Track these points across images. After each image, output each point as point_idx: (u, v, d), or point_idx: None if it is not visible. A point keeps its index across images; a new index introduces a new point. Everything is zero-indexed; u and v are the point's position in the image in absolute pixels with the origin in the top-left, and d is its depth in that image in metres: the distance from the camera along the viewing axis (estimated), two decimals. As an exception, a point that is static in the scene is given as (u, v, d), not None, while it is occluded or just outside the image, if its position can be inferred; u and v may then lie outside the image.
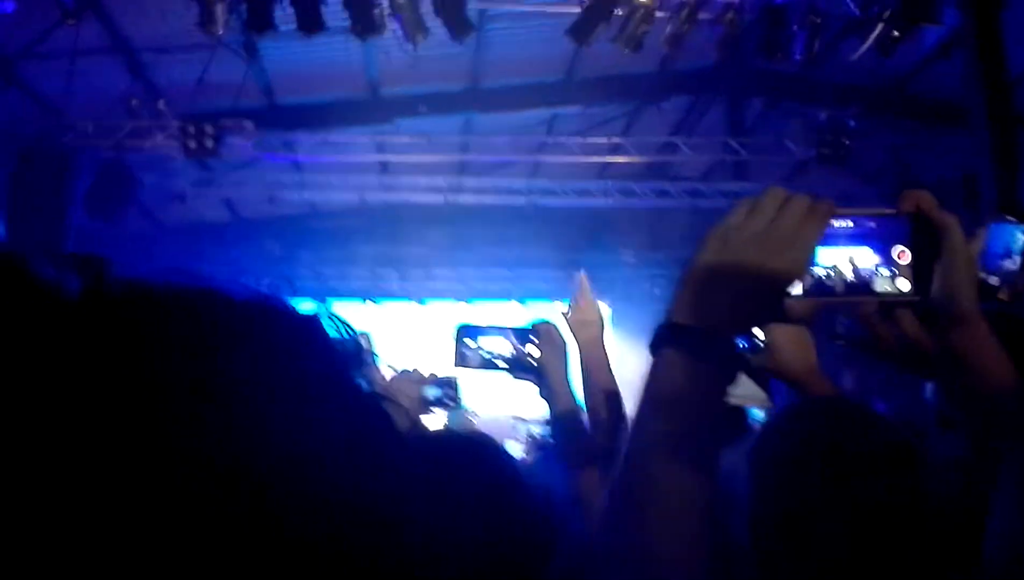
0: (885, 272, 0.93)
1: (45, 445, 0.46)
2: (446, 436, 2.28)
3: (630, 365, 1.93)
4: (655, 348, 0.90)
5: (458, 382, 2.94)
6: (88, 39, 7.36)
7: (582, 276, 2.38)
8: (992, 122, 6.85)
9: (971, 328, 0.95)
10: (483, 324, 2.24)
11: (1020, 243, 1.33)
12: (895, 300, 0.94)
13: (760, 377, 1.90)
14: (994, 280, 1.32)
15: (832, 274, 0.93)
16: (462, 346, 2.19)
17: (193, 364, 0.50)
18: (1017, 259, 1.33)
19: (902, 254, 0.93)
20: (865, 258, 0.93)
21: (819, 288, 0.93)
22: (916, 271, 0.93)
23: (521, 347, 2.17)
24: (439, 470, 1.05)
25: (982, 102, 6.89)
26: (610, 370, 2.27)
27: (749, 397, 1.92)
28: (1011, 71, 6.99)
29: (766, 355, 1.76)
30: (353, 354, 0.59)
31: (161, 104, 8.60)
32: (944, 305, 0.94)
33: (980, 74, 6.90)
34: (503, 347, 2.19)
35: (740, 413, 2.49)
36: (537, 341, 2.16)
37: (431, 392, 2.88)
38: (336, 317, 0.60)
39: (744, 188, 10.31)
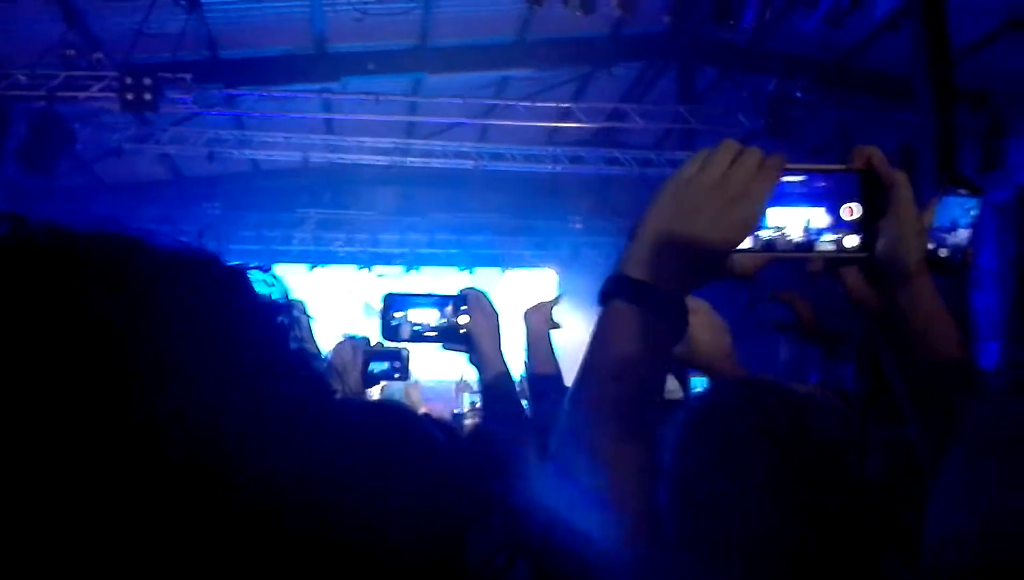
0: (833, 228, 0.93)
1: None
2: (369, 404, 2.25)
3: (575, 331, 1.95)
4: (604, 299, 0.90)
5: (407, 354, 2.90)
6: (20, -18, 7.07)
7: (554, 275, 2.54)
8: (935, 96, 6.96)
9: (917, 285, 0.95)
10: (411, 293, 2.20)
11: (970, 215, 1.33)
12: (842, 256, 0.94)
13: (675, 368, 1.90)
14: (943, 252, 1.32)
15: (781, 229, 0.92)
16: (389, 318, 2.15)
17: (111, 315, 0.47)
18: (965, 232, 1.33)
19: (851, 210, 0.93)
20: (814, 214, 0.93)
21: (768, 244, 0.92)
22: (864, 227, 0.93)
23: (451, 316, 2.13)
24: (366, 436, 1.02)
25: (926, 75, 6.98)
26: (554, 359, 2.32)
27: (667, 390, 1.92)
28: (956, 45, 7.08)
29: (682, 345, 1.78)
30: (283, 310, 0.57)
31: (98, 55, 8.32)
32: (891, 261, 0.94)
33: (925, 47, 6.98)
34: (432, 317, 2.14)
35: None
36: (467, 309, 2.12)
37: (377, 366, 2.84)
38: (267, 273, 0.58)
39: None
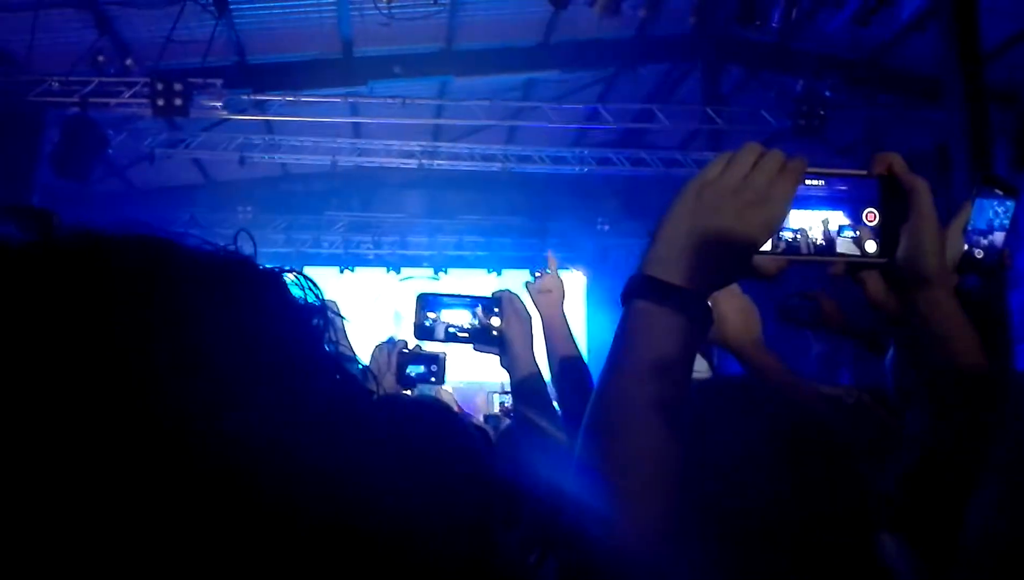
0: (854, 233, 0.94)
1: None
2: (405, 402, 2.25)
3: (605, 332, 1.92)
4: (626, 298, 0.91)
5: (444, 358, 2.90)
6: (53, -9, 7.19)
7: (550, 254, 2.41)
8: (966, 96, 6.87)
9: (936, 291, 0.95)
10: (444, 295, 2.20)
11: (1005, 216, 1.32)
12: (862, 261, 0.95)
13: (704, 349, 1.90)
14: (979, 253, 1.31)
15: (802, 233, 0.93)
16: (423, 318, 2.16)
17: (146, 318, 0.48)
18: (1001, 232, 1.32)
19: (871, 215, 0.94)
20: (835, 219, 0.94)
21: (788, 247, 0.94)
22: (884, 233, 0.94)
23: (484, 318, 2.14)
24: (400, 434, 1.03)
25: (956, 76, 6.90)
26: (572, 337, 2.26)
27: (695, 369, 1.92)
28: (985, 45, 7.00)
29: (712, 327, 1.77)
30: (317, 313, 0.58)
31: (129, 61, 8.43)
32: (910, 267, 0.94)
33: (954, 48, 6.90)
34: (465, 318, 2.15)
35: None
36: (499, 311, 2.12)
37: (413, 370, 2.85)
38: (301, 276, 0.58)
39: (719, 158, 10.29)
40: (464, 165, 10.74)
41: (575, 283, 13.22)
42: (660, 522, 0.85)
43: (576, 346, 2.24)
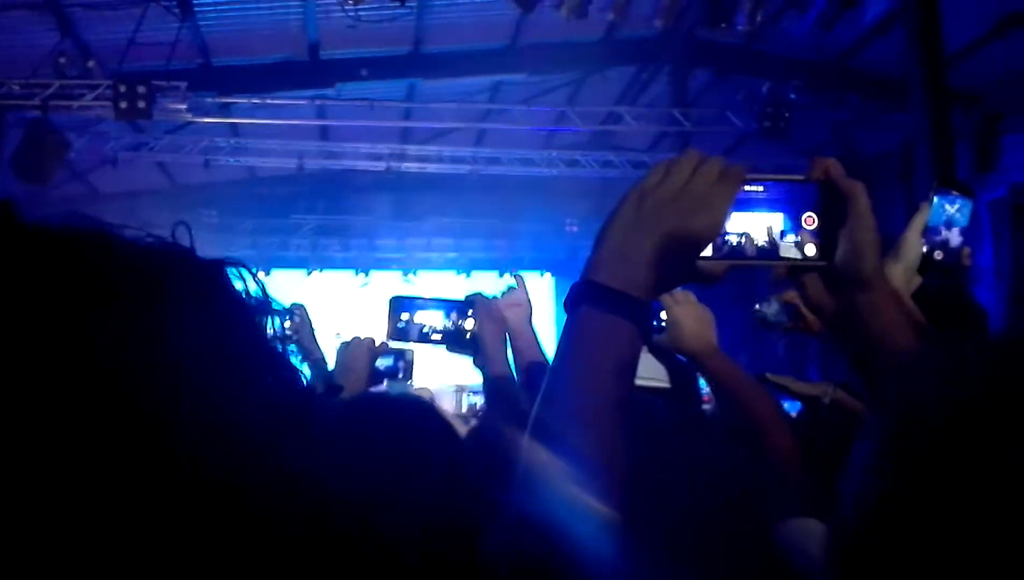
0: (794, 237, 0.96)
1: None
2: (374, 398, 2.25)
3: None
4: (571, 305, 0.92)
5: (412, 355, 2.93)
6: (13, -8, 7.07)
7: (517, 275, 2.48)
8: (928, 98, 6.97)
9: (874, 292, 0.97)
10: (418, 297, 2.23)
11: (963, 216, 1.34)
12: (802, 264, 0.97)
13: (663, 356, 1.93)
14: (938, 254, 1.33)
15: (743, 238, 0.96)
16: (396, 320, 2.18)
17: (77, 311, 0.46)
18: (959, 232, 1.34)
19: (810, 219, 0.96)
20: (775, 223, 0.96)
21: (730, 251, 0.95)
22: (823, 236, 0.96)
23: (457, 321, 2.17)
24: (362, 432, 1.01)
25: (919, 78, 6.99)
26: (539, 345, 2.32)
27: (653, 378, 1.94)
28: (948, 48, 7.10)
29: (668, 334, 1.82)
30: (260, 306, 0.57)
31: (91, 63, 8.31)
32: (848, 269, 0.96)
33: (917, 50, 7.00)
34: (439, 321, 2.18)
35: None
36: (473, 314, 2.16)
37: (382, 363, 2.87)
38: (243, 268, 0.57)
39: (687, 160, 10.36)
40: (433, 167, 10.73)
41: (543, 286, 13.25)
42: (602, 520, 0.86)
43: (543, 353, 2.28)
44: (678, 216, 0.90)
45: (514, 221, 12.57)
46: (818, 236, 0.96)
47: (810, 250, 0.96)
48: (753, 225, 0.96)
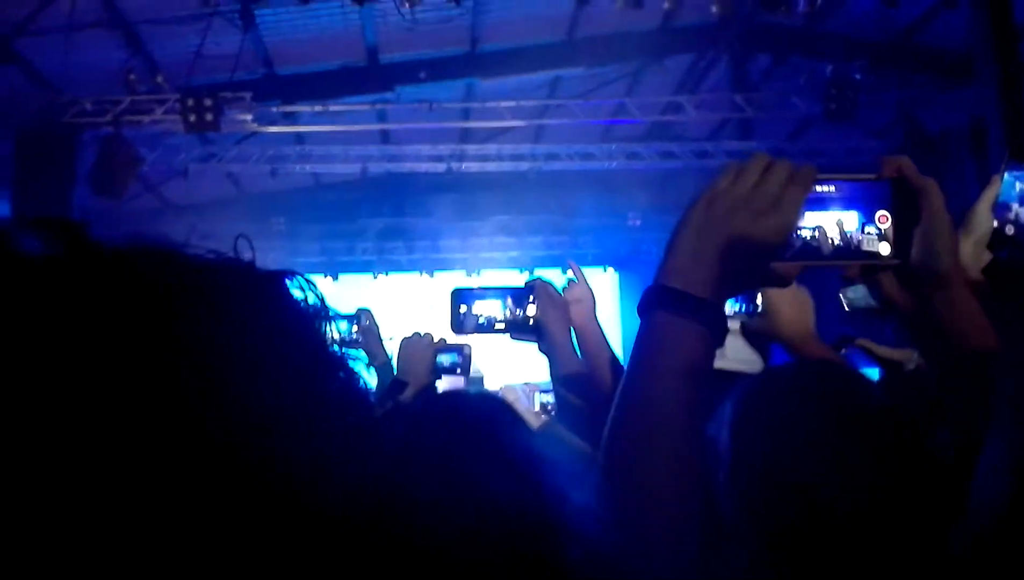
0: (867, 236, 0.96)
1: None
2: (454, 396, 2.25)
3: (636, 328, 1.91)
4: (643, 311, 0.93)
5: (470, 350, 2.94)
6: (84, 13, 7.31)
7: (572, 263, 2.44)
8: (1000, 71, 6.77)
9: (950, 290, 0.96)
10: (478, 288, 2.24)
11: None
12: (876, 263, 0.96)
13: (757, 341, 1.90)
14: (1009, 229, 1.30)
15: (816, 237, 0.95)
16: (457, 311, 2.19)
17: (153, 328, 0.48)
18: None
19: (883, 218, 0.96)
20: (848, 222, 0.96)
21: (803, 251, 0.95)
22: (896, 234, 0.96)
23: (519, 307, 2.16)
24: (431, 429, 1.02)
25: (989, 51, 6.79)
26: (607, 343, 2.26)
27: (746, 361, 1.91)
28: (1018, 19, 6.88)
29: (764, 319, 1.77)
30: (319, 315, 0.58)
31: (159, 78, 8.55)
32: (924, 268, 0.95)
33: (986, 23, 6.79)
34: (500, 309, 2.18)
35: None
36: (534, 299, 2.13)
37: (444, 358, 2.89)
38: (302, 278, 0.58)
39: (751, 146, 10.20)
40: (493, 166, 10.76)
41: (606, 281, 13.18)
42: (679, 524, 0.87)
43: (611, 350, 2.24)
44: (748, 219, 0.91)
45: (575, 217, 12.51)
46: (892, 234, 0.96)
47: (884, 249, 0.96)
48: (825, 225, 0.96)
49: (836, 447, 1.13)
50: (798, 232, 0.94)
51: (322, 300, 0.59)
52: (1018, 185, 1.33)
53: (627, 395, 0.91)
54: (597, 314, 2.29)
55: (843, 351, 2.87)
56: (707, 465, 1.23)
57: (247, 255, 0.57)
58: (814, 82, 8.97)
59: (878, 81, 8.99)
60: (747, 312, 1.79)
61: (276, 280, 0.56)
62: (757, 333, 1.84)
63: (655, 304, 0.92)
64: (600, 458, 0.91)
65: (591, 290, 2.30)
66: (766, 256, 0.92)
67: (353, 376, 0.57)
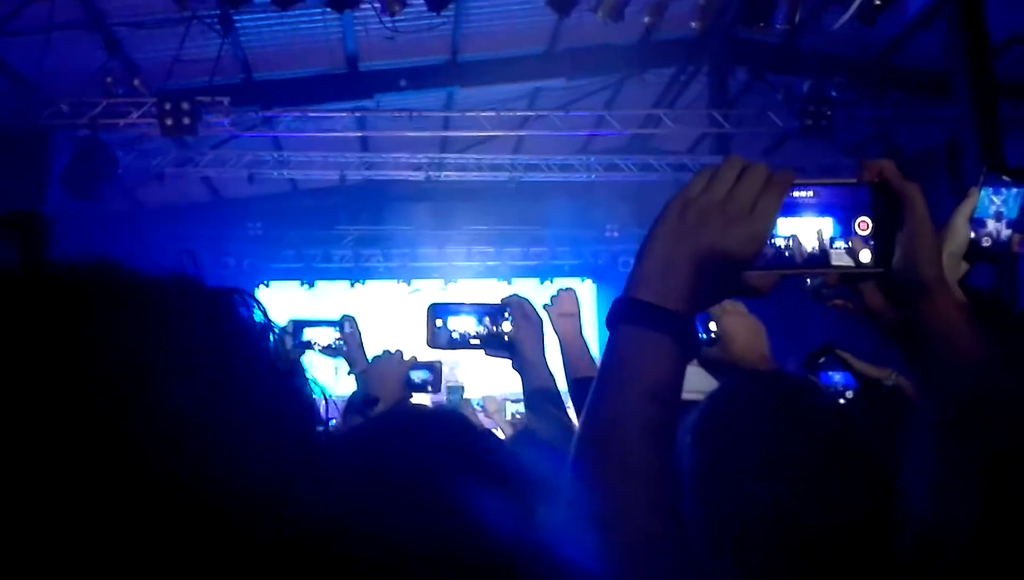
0: (847, 243, 0.92)
1: None
2: (409, 413, 2.25)
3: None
4: (612, 323, 0.89)
5: (440, 366, 2.98)
6: (62, 13, 7.25)
7: (571, 290, 2.50)
8: (975, 90, 6.86)
9: (934, 298, 0.93)
10: (455, 303, 2.24)
11: (1013, 203, 1.31)
12: (858, 271, 0.92)
13: (714, 369, 1.90)
14: (986, 241, 1.29)
15: (792, 245, 0.91)
16: (434, 325, 2.20)
17: (85, 343, 0.48)
18: (1008, 220, 1.31)
19: (863, 224, 0.92)
20: (826, 229, 0.92)
21: (779, 259, 0.91)
22: (878, 242, 0.92)
23: (494, 324, 2.17)
24: (391, 451, 1.00)
25: (965, 71, 6.88)
26: (590, 357, 2.32)
27: (704, 391, 1.91)
28: (993, 39, 6.98)
29: (718, 347, 1.78)
30: (266, 331, 0.57)
31: (136, 82, 8.49)
32: (907, 276, 0.92)
33: (963, 42, 6.88)
34: (475, 325, 2.19)
35: None
36: (510, 316, 2.15)
37: (417, 375, 2.91)
38: (249, 296, 0.58)
39: (728, 161, 10.27)
40: (472, 176, 10.76)
41: (584, 293, 13.23)
42: (650, 536, 0.84)
43: (594, 365, 2.26)
44: (722, 226, 0.86)
45: (554, 227, 12.55)
46: (873, 241, 0.92)
47: (865, 256, 0.91)
48: (803, 232, 0.92)
49: (786, 448, 1.14)
50: (774, 240, 0.90)
51: (267, 317, 0.58)
52: (995, 199, 1.34)
53: (595, 408, 0.88)
54: (583, 331, 2.35)
55: (821, 360, 2.89)
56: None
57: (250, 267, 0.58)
58: (791, 98, 9.06)
59: (855, 98, 9.09)
60: (704, 340, 1.79)
61: (219, 297, 0.56)
62: (714, 361, 1.85)
63: (624, 317, 0.88)
64: (569, 471, 0.89)
65: (579, 308, 2.36)
66: (741, 265, 0.88)
67: (300, 393, 0.57)
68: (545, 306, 2.41)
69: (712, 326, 1.79)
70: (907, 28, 8.49)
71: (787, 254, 0.91)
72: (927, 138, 8.97)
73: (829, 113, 8.70)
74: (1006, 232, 1.32)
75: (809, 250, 0.91)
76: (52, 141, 8.67)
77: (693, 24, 7.77)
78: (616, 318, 0.89)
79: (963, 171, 7.38)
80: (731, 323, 1.76)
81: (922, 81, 8.89)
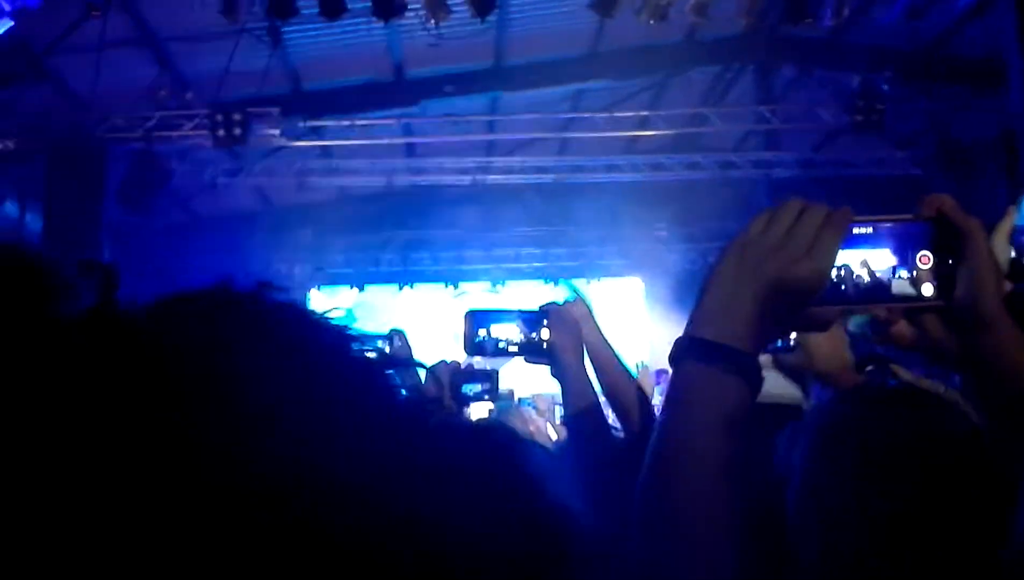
0: (908, 277, 0.93)
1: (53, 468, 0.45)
2: (470, 429, 2.25)
3: (663, 338, 1.93)
4: (675, 361, 0.91)
5: (497, 375, 2.95)
6: (115, 31, 7.42)
7: (576, 291, 2.47)
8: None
9: (996, 332, 0.93)
10: (493, 309, 2.23)
11: None
12: (919, 305, 0.94)
13: (792, 374, 1.88)
14: None
15: (853, 280, 0.93)
16: (473, 334, 2.18)
17: (218, 392, 0.49)
18: None
19: (924, 258, 0.93)
20: (886, 263, 0.93)
21: (840, 294, 0.92)
22: (939, 276, 0.93)
23: (533, 330, 2.15)
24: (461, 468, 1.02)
25: (1018, 58, 6.72)
26: (620, 362, 2.28)
27: (785, 396, 1.90)
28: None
29: (798, 353, 1.76)
30: (383, 354, 0.59)
31: (188, 95, 8.66)
32: (969, 310, 0.93)
33: (1016, 29, 6.72)
34: (514, 332, 2.17)
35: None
36: (547, 323, 2.14)
37: (470, 388, 2.89)
38: (355, 322, 0.60)
39: (777, 157, 10.16)
40: (517, 178, 10.78)
41: (633, 290, 13.18)
42: (718, 570, 0.85)
43: (624, 367, 2.27)
44: (782, 264, 0.88)
45: (600, 228, 12.51)
46: (934, 276, 0.93)
47: (927, 290, 0.92)
48: (863, 267, 0.93)
49: (924, 473, 1.14)
50: (835, 275, 0.91)
51: (391, 338, 0.60)
52: None
53: (661, 447, 0.90)
54: (602, 333, 2.30)
55: (869, 368, 2.85)
56: (771, 498, 1.24)
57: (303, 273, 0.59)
58: (839, 93, 8.93)
59: (905, 92, 8.92)
60: (781, 347, 1.78)
61: (345, 333, 0.58)
62: (792, 367, 1.83)
63: (685, 354, 0.90)
64: (636, 509, 0.89)
65: (590, 310, 2.31)
66: (803, 301, 0.90)
67: (419, 416, 0.59)
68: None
69: (792, 334, 1.77)
70: (957, 19, 8.32)
71: (847, 289, 0.93)
72: (982, 130, 8.77)
73: (880, 107, 8.55)
74: None
75: (871, 285, 0.93)
76: (107, 155, 8.88)
77: (739, 21, 7.70)
78: (679, 356, 0.91)
79: (1020, 162, 7.20)
80: (814, 334, 1.74)
81: (974, 71, 8.69)
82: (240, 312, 0.55)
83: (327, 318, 0.59)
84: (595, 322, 2.28)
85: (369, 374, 0.58)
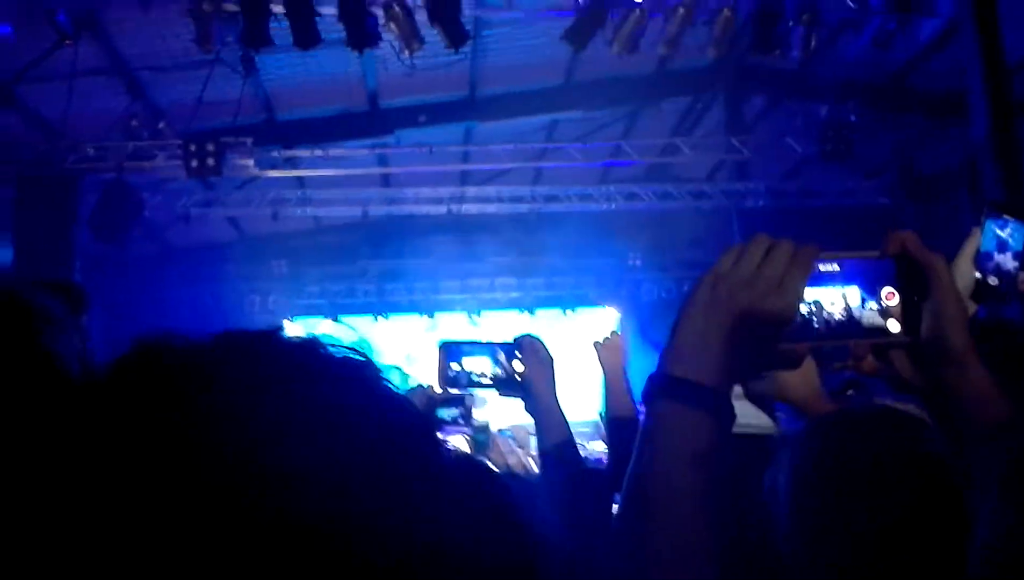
0: (874, 314, 0.94)
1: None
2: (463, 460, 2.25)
3: (637, 368, 1.96)
4: (647, 399, 0.92)
5: (471, 401, 2.93)
6: (86, 60, 7.41)
7: (616, 314, 2.67)
8: (991, 110, 6.82)
9: (963, 367, 0.95)
10: (466, 341, 2.20)
11: (1017, 239, 1.30)
12: (886, 341, 0.95)
13: (763, 403, 1.89)
14: (993, 280, 1.29)
15: (821, 316, 0.94)
16: (447, 366, 2.15)
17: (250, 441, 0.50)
18: (1013, 256, 1.29)
19: (890, 295, 0.94)
20: (853, 300, 0.94)
21: (809, 331, 0.94)
22: (905, 312, 0.94)
23: (506, 363, 2.13)
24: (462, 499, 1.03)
25: (981, 90, 6.86)
26: (631, 401, 2.38)
27: (754, 426, 1.91)
28: (1009, 59, 6.95)
29: (768, 382, 1.77)
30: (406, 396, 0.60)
31: (161, 124, 8.64)
32: (934, 345, 0.94)
33: (979, 63, 6.87)
34: (488, 365, 2.15)
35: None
36: (521, 356, 2.12)
37: (447, 413, 2.87)
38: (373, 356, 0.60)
39: (747, 187, 10.29)
40: (492, 208, 10.83)
41: (609, 319, 13.22)
42: None
43: (632, 404, 2.32)
44: (752, 300, 0.90)
45: (575, 257, 12.57)
46: (900, 312, 0.94)
47: (893, 326, 0.94)
48: (830, 303, 0.94)
49: (907, 491, 1.16)
50: (803, 312, 0.93)
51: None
52: (997, 232, 1.33)
53: (636, 481, 0.90)
54: (626, 369, 2.43)
55: (849, 393, 2.86)
56: (759, 517, 1.25)
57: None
58: (809, 123, 9.06)
59: (872, 122, 9.07)
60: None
61: (373, 372, 0.59)
62: (763, 396, 1.84)
63: (659, 393, 0.91)
64: (612, 541, 0.91)
65: (625, 347, 2.50)
66: (772, 338, 0.91)
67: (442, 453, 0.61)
68: (595, 343, 2.57)
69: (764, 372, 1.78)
70: (921, 52, 8.49)
71: (816, 325, 0.94)
72: (946, 159, 8.93)
73: (848, 137, 8.69)
74: (1012, 263, 1.31)
75: (838, 322, 0.94)
76: (78, 185, 8.82)
77: (708, 52, 7.80)
78: (652, 393, 0.92)
79: (984, 191, 7.33)
80: None
81: (938, 102, 8.87)
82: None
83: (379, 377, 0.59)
84: (625, 359, 2.44)
85: (408, 416, 0.59)
